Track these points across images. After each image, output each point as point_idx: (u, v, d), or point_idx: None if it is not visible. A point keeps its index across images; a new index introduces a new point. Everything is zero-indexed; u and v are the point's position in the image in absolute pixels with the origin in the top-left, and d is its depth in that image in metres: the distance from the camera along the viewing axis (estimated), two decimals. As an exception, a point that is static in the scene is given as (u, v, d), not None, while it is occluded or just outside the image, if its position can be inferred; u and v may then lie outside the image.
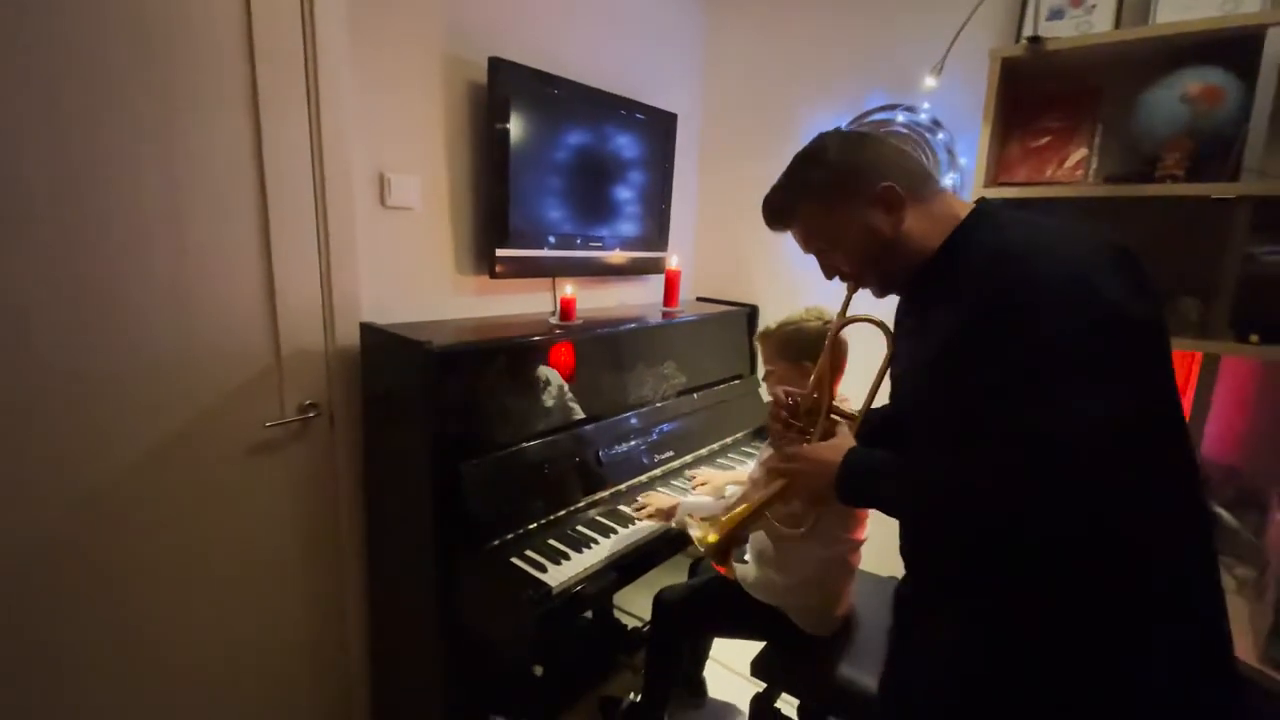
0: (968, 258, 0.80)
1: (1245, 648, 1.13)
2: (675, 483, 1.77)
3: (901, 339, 0.95)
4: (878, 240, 0.86)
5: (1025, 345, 0.68)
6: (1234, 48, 1.33)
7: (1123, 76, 1.49)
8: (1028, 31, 1.59)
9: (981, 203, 0.87)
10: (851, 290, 0.98)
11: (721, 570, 1.16)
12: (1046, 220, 0.80)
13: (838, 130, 0.95)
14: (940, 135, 1.81)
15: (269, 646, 1.55)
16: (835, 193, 0.88)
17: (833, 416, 1.02)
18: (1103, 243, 0.73)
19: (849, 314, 1.02)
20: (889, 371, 0.98)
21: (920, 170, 0.89)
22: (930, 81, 1.74)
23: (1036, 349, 0.68)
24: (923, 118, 1.84)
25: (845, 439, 0.95)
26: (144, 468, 1.29)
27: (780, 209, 0.95)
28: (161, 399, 1.29)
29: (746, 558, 1.52)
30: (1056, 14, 1.56)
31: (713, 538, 1.08)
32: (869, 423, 1.02)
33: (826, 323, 1.37)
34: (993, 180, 1.60)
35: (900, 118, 1.88)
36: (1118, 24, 1.50)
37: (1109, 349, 0.66)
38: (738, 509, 1.08)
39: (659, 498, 1.61)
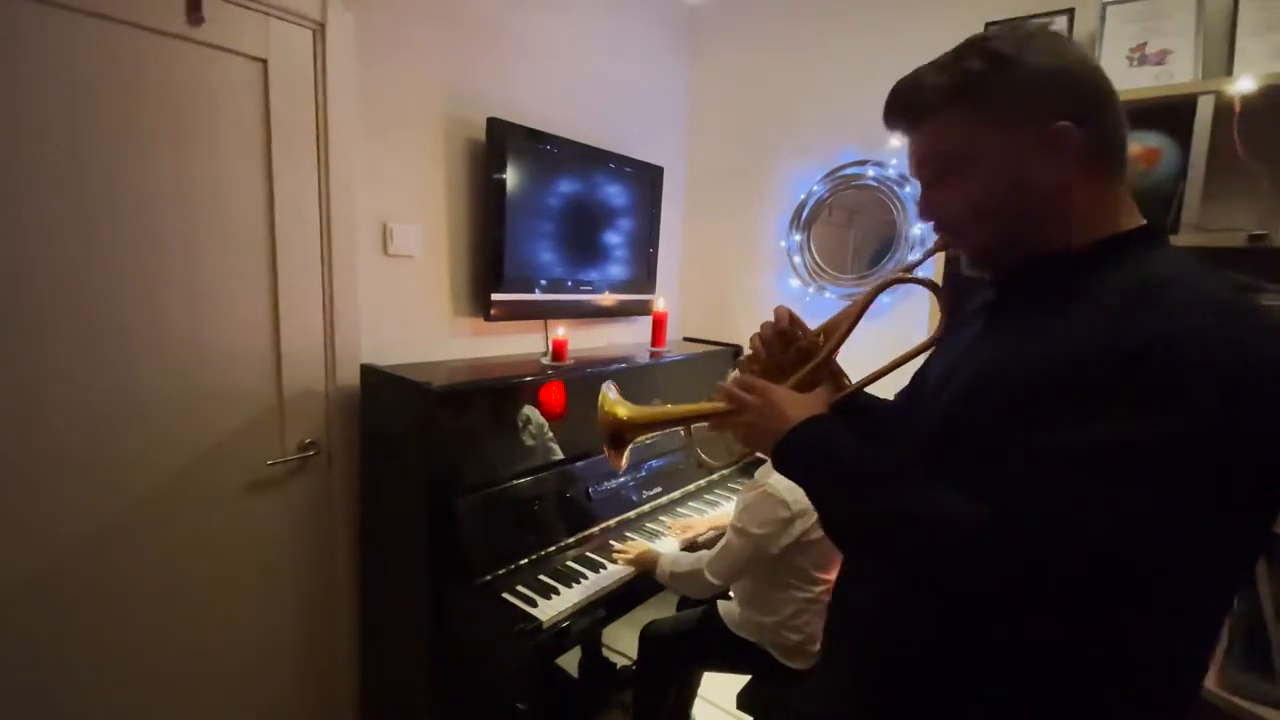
0: (1124, 277, 0.59)
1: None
2: (650, 526, 1.81)
3: (964, 335, 0.75)
4: (1022, 194, 0.64)
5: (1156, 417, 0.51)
6: (1169, 113, 1.46)
7: (1070, 138, 1.62)
8: (983, 97, 1.72)
9: (1157, 227, 0.65)
10: (939, 245, 0.76)
11: (607, 453, 1.00)
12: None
13: (1035, 26, 0.66)
14: (908, 189, 1.94)
15: (263, 675, 1.57)
16: (996, 103, 0.63)
17: (832, 371, 0.87)
18: None
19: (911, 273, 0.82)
20: (921, 366, 0.82)
21: (1120, 136, 0.64)
22: (896, 141, 1.87)
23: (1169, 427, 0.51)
24: (891, 173, 1.97)
25: (817, 399, 0.79)
26: (148, 503, 1.33)
27: (913, 99, 0.68)
28: (168, 437, 1.35)
29: (730, 594, 1.57)
30: (1008, 81, 1.71)
31: (621, 411, 0.96)
32: (854, 402, 0.87)
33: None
34: (957, 231, 1.72)
35: (870, 172, 2.01)
36: (1064, 91, 1.65)
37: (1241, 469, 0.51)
38: (662, 407, 0.95)
39: (639, 547, 1.60)
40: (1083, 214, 0.63)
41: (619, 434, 0.95)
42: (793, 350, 0.87)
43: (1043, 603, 0.54)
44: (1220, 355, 0.51)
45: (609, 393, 0.99)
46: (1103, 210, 0.63)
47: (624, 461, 1.00)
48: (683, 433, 0.94)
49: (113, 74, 1.20)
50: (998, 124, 0.63)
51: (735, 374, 0.90)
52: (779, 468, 0.75)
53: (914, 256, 1.97)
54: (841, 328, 0.84)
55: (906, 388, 0.87)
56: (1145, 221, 0.65)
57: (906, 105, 0.69)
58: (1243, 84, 1.30)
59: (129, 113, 1.23)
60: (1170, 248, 0.62)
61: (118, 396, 1.27)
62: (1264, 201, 1.40)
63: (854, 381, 0.86)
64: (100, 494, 1.27)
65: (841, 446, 0.70)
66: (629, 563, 1.56)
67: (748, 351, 0.92)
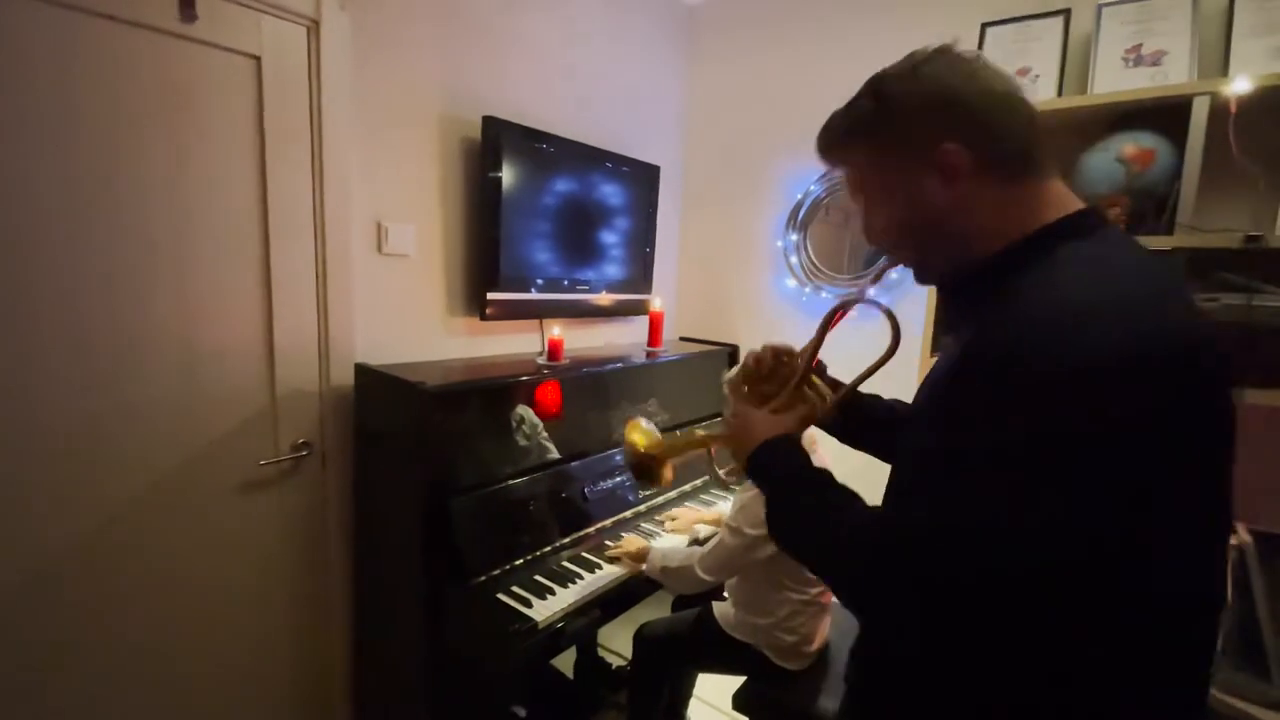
0: (1017, 283, 0.61)
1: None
2: (645, 526, 1.80)
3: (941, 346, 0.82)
4: (924, 213, 0.68)
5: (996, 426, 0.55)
6: (1164, 114, 1.46)
7: (1065, 139, 1.62)
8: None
9: (1082, 215, 0.65)
10: (888, 263, 0.83)
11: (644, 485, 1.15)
12: (1142, 270, 0.60)
13: (935, 53, 0.69)
14: (905, 188, 1.94)
15: (257, 677, 1.56)
16: (885, 137, 0.69)
17: (807, 391, 0.94)
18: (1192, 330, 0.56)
19: (867, 297, 0.92)
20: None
21: (1018, 137, 0.66)
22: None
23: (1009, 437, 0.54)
24: (888, 172, 1.97)
25: (782, 421, 0.86)
26: (138, 504, 1.32)
27: (827, 141, 0.77)
28: (159, 437, 1.34)
29: (725, 595, 1.57)
30: (1004, 82, 1.71)
31: (643, 444, 1.07)
32: (864, 411, 0.96)
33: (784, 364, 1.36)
34: (953, 231, 1.72)
35: (868, 172, 2.01)
36: (1060, 92, 1.65)
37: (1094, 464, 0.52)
38: (681, 435, 1.08)
39: (631, 542, 1.62)
40: (988, 223, 0.66)
41: (641, 464, 1.07)
42: (780, 378, 0.96)
43: (923, 610, 0.58)
44: (1062, 358, 0.53)
45: (632, 433, 1.10)
46: (1010, 215, 0.66)
47: (653, 484, 1.14)
48: (708, 454, 1.07)
49: (104, 71, 1.19)
50: (890, 155, 0.70)
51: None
52: (751, 478, 0.85)
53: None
54: (807, 353, 0.94)
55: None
56: (1075, 210, 0.66)
57: (820, 146, 0.79)
58: (1238, 85, 1.30)
59: (120, 110, 1.22)
60: (1076, 243, 0.62)
61: (108, 396, 1.26)
62: (1259, 202, 1.40)
63: (833, 396, 0.95)
64: (90, 495, 1.26)
65: (781, 465, 0.80)
66: (620, 556, 1.57)
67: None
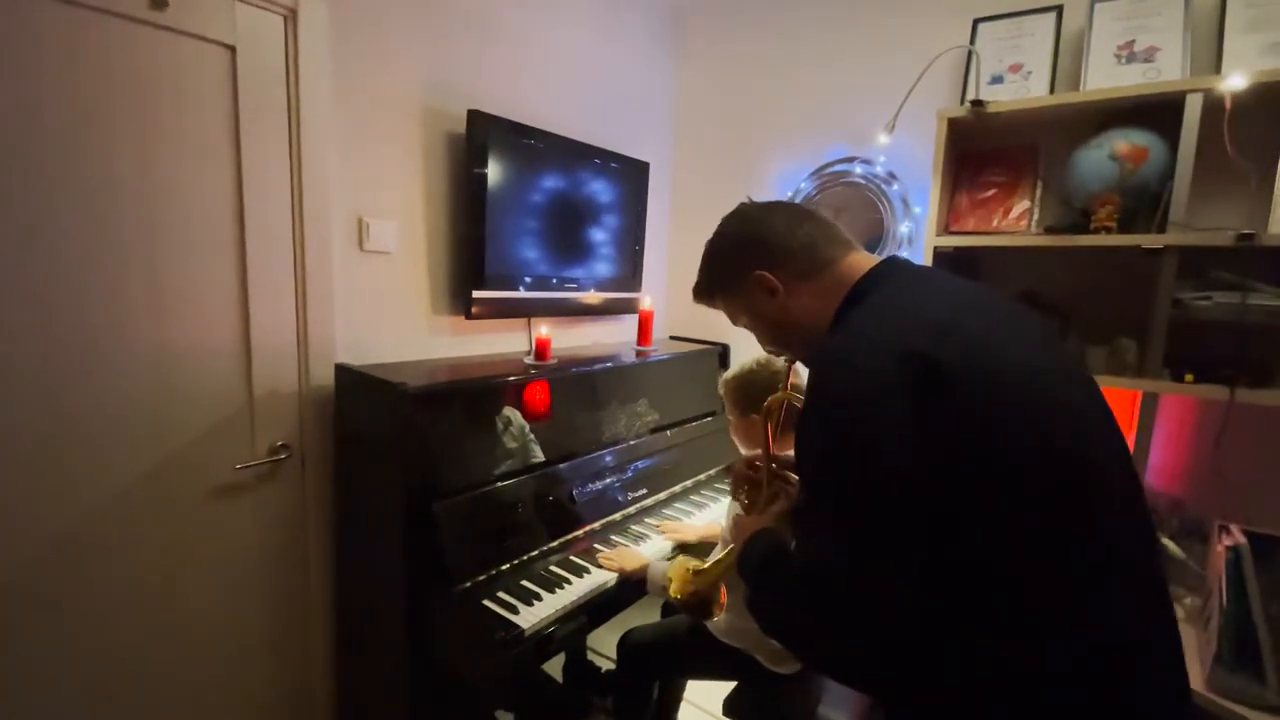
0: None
1: (1193, 675, 1.18)
2: (635, 528, 1.77)
3: None
4: (771, 321, 0.90)
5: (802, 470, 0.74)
6: (1157, 111, 1.46)
7: (1058, 136, 1.61)
8: (971, 95, 1.71)
9: (877, 268, 0.83)
10: (789, 361, 1.05)
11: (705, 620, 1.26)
12: (904, 297, 0.77)
13: (732, 213, 0.96)
14: (895, 186, 1.92)
15: (234, 687, 1.51)
16: (722, 279, 0.94)
17: (783, 485, 1.06)
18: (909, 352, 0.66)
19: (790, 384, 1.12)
20: None
21: (803, 247, 0.86)
22: (884, 138, 1.85)
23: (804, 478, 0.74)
24: (878, 170, 1.95)
25: (761, 519, 0.98)
26: (112, 507, 1.28)
27: (698, 294, 1.00)
28: (132, 439, 1.29)
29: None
30: (997, 79, 1.70)
31: (675, 590, 1.18)
32: None
33: (775, 372, 1.36)
34: (944, 229, 1.70)
35: (858, 169, 1.99)
36: (1052, 89, 1.64)
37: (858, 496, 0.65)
38: (713, 561, 1.16)
39: (627, 555, 1.55)
40: (812, 313, 0.85)
41: (690, 604, 1.17)
42: (759, 481, 1.10)
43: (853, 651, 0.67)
44: (814, 402, 0.71)
45: (676, 566, 1.21)
46: (822, 302, 0.84)
47: (716, 609, 1.20)
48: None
49: (69, 59, 1.14)
50: (732, 292, 0.93)
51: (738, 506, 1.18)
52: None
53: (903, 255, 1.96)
54: (763, 448, 1.10)
55: None
56: (872, 267, 0.84)
57: (698, 297, 1.00)
58: (1232, 82, 1.29)
59: (88, 101, 1.17)
60: (872, 297, 0.79)
61: (78, 397, 1.21)
62: (1252, 200, 1.39)
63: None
64: (59, 500, 1.21)
65: (755, 558, 0.87)
66: (616, 572, 1.52)
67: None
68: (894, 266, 0.83)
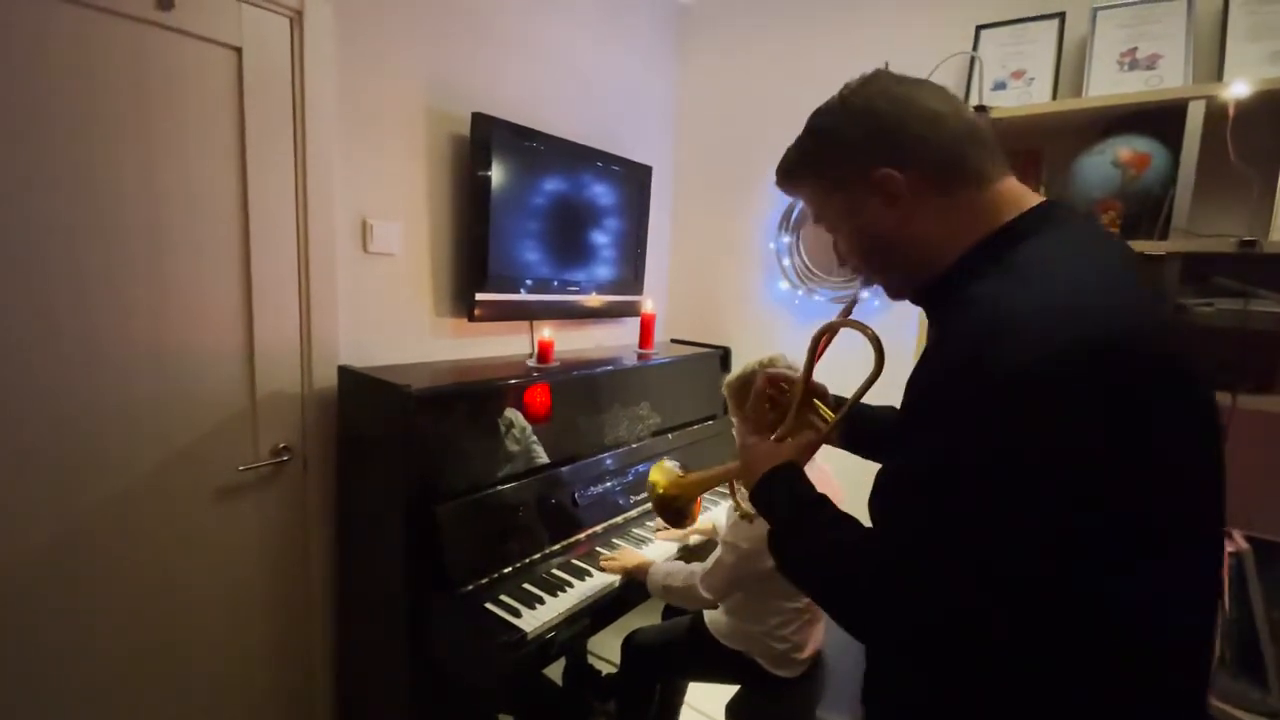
0: (974, 290, 0.61)
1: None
2: (636, 531, 1.77)
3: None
4: (876, 235, 0.71)
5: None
6: (1160, 118, 1.46)
7: (1060, 142, 1.61)
8: (974, 100, 1.72)
9: (1043, 207, 0.66)
10: (862, 284, 0.94)
11: (672, 526, 1.20)
12: (1089, 260, 0.60)
13: (865, 80, 0.72)
14: (899, 190, 1.93)
15: (235, 689, 1.51)
16: (829, 168, 0.73)
17: (810, 415, 0.94)
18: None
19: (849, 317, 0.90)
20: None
21: (951, 151, 0.66)
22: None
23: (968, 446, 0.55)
24: (882, 174, 1.95)
25: (783, 450, 0.85)
26: (113, 507, 1.27)
27: (785, 174, 0.80)
28: (135, 440, 1.29)
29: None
30: (1000, 85, 1.70)
31: (664, 485, 1.11)
32: (871, 424, 0.97)
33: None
34: (948, 234, 1.70)
35: (862, 173, 1.99)
36: (1055, 96, 1.64)
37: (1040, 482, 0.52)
38: (699, 473, 1.12)
39: (628, 554, 1.57)
40: (939, 236, 0.67)
41: (665, 506, 1.10)
42: (782, 405, 0.98)
43: (916, 636, 0.60)
44: (1013, 365, 0.52)
45: (662, 464, 1.15)
46: (959, 225, 0.67)
47: (687, 522, 1.17)
48: (729, 485, 1.12)
49: (75, 60, 1.14)
50: (834, 185, 0.73)
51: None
52: (756, 510, 0.85)
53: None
54: (801, 379, 0.94)
55: None
56: (1034, 204, 0.66)
57: (782, 180, 0.81)
58: (1235, 89, 1.30)
59: (94, 102, 1.17)
60: (1035, 240, 0.62)
61: (81, 398, 1.21)
62: (1254, 207, 1.40)
63: (835, 416, 0.94)
64: (62, 501, 1.21)
65: (781, 498, 0.79)
66: (618, 572, 1.52)
67: (788, 356, 1.15)
68: (1063, 213, 0.65)
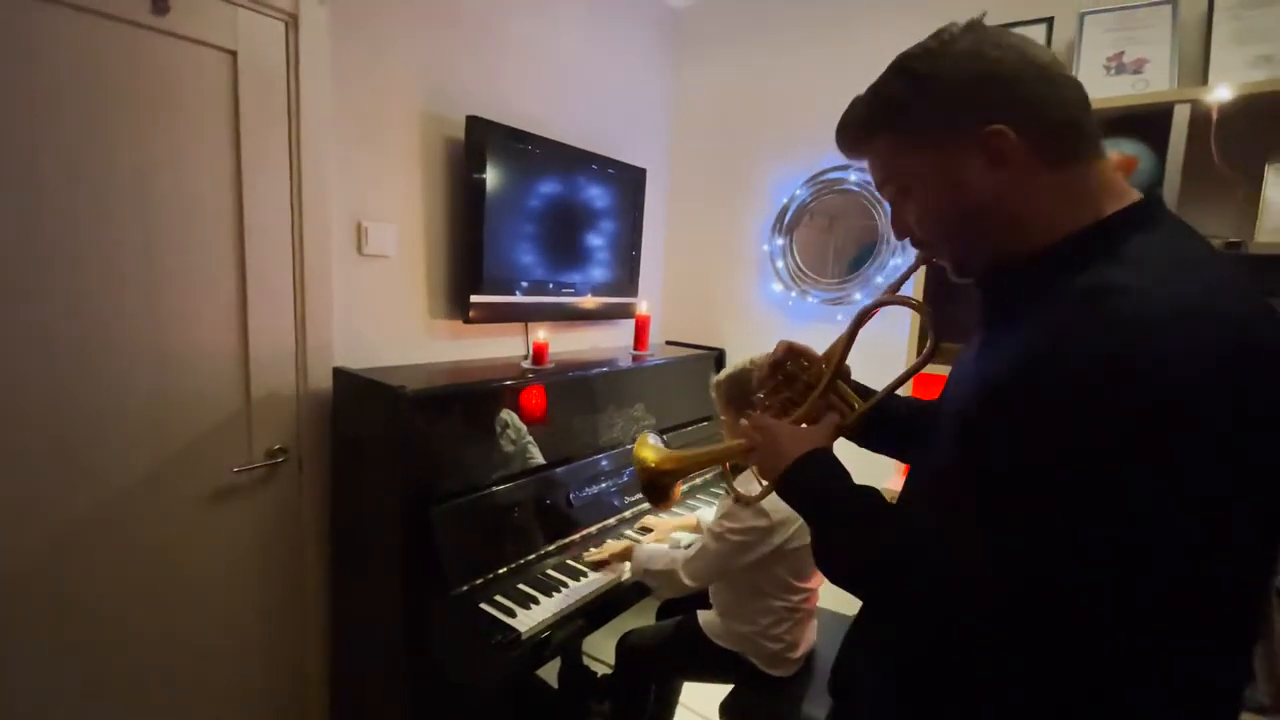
0: (1085, 280, 0.54)
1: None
2: (629, 533, 1.77)
3: (979, 344, 0.70)
4: (968, 202, 0.62)
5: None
6: (1146, 121, 1.48)
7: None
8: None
9: (1150, 202, 0.59)
10: (920, 260, 0.76)
11: (653, 504, 1.08)
12: (1214, 260, 0.55)
13: (963, 27, 0.62)
14: (891, 193, 1.94)
15: (230, 691, 1.51)
16: (921, 120, 0.63)
17: (833, 397, 0.85)
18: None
19: (898, 292, 0.81)
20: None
21: (1070, 113, 0.59)
22: (879, 145, 1.87)
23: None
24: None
25: (815, 433, 0.79)
26: (108, 510, 1.27)
27: (848, 129, 0.70)
28: (130, 442, 1.29)
29: (710, 601, 1.54)
30: (989, 88, 1.72)
31: (654, 459, 0.99)
32: (887, 413, 0.87)
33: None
34: (939, 235, 1.72)
35: (852, 177, 2.01)
36: (1043, 98, 1.66)
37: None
38: (694, 450, 1.00)
39: (614, 545, 1.59)
40: (1041, 211, 0.60)
41: (653, 482, 0.99)
42: (801, 383, 0.88)
43: (993, 639, 0.55)
44: (1156, 365, 0.47)
45: (646, 439, 1.04)
46: (1065, 202, 0.59)
47: (670, 503, 1.06)
48: (724, 467, 1.00)
49: (70, 63, 1.14)
50: (926, 140, 0.63)
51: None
52: (784, 499, 0.77)
53: (895, 263, 1.98)
54: (835, 357, 0.85)
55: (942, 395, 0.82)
56: (1136, 199, 0.59)
57: (846, 139, 0.71)
58: (1219, 93, 1.32)
59: (89, 105, 1.17)
60: (1146, 236, 0.56)
61: (76, 400, 1.21)
62: (1239, 209, 1.42)
63: (865, 399, 0.85)
64: (55, 503, 1.21)
65: (821, 486, 0.72)
66: (605, 561, 1.54)
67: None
68: (1165, 210, 0.60)
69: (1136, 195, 0.60)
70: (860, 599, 0.70)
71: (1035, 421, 0.51)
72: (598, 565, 1.55)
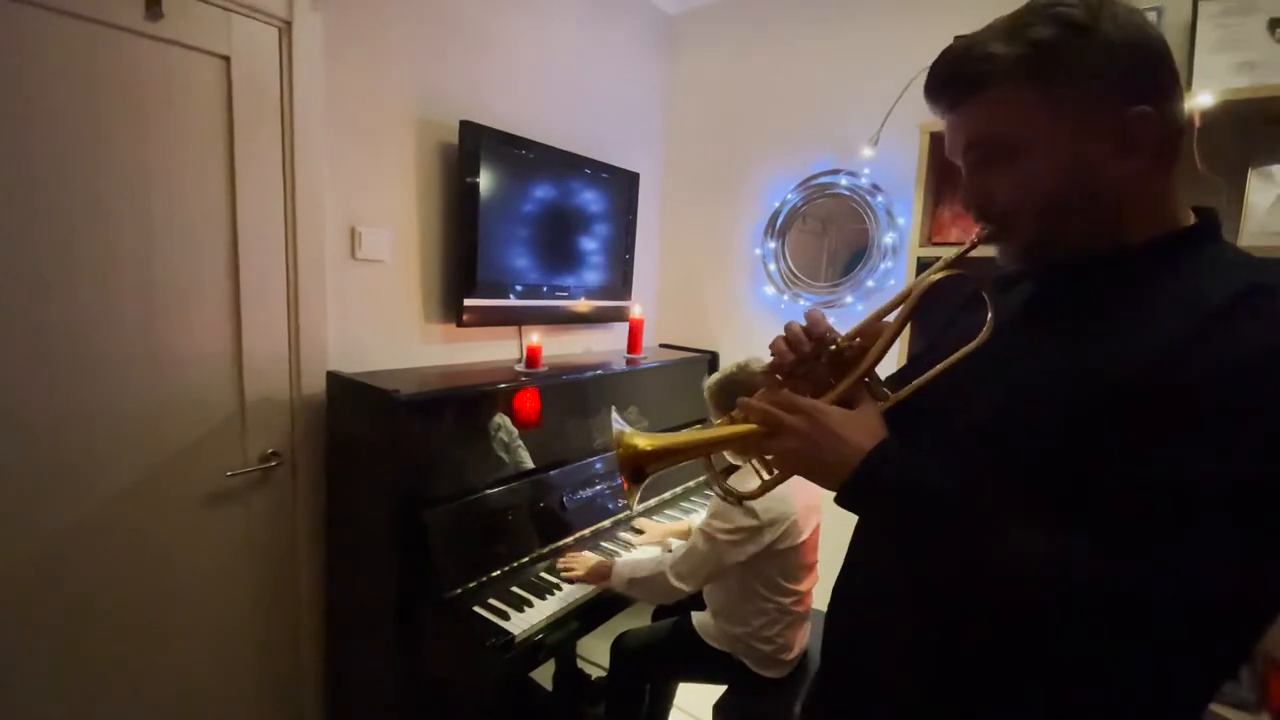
0: (1188, 281, 0.53)
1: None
2: (623, 535, 1.77)
3: (1025, 334, 0.63)
4: (1082, 184, 0.56)
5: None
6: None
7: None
8: (953, 108, 1.75)
9: (1214, 214, 0.59)
10: (981, 235, 0.64)
11: (625, 486, 0.80)
12: None
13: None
14: (879, 198, 1.96)
15: (223, 695, 1.51)
16: (1071, 80, 0.54)
17: (866, 381, 0.70)
18: None
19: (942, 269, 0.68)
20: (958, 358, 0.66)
21: (1184, 114, 0.56)
22: (868, 151, 1.89)
23: None
24: (863, 181, 1.99)
25: (873, 419, 0.64)
26: (101, 514, 1.27)
27: (968, 69, 0.59)
28: (122, 446, 1.29)
29: (704, 602, 1.55)
30: (978, 94, 1.74)
31: (640, 442, 0.77)
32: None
33: (754, 375, 1.33)
34: (927, 240, 1.74)
35: (843, 181, 2.03)
36: (1031, 104, 1.68)
37: None
38: (685, 434, 0.81)
39: (584, 560, 1.52)
40: (1144, 208, 0.56)
41: (639, 468, 0.79)
42: (824, 359, 0.71)
43: (1132, 649, 0.48)
44: None
45: (619, 424, 0.83)
46: (1164, 204, 0.57)
47: (638, 497, 0.82)
48: (706, 461, 0.80)
49: (64, 70, 1.15)
50: (1067, 104, 0.55)
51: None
52: (848, 505, 0.62)
53: (886, 267, 1.99)
54: (887, 331, 0.70)
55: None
56: (1196, 215, 0.58)
57: (958, 76, 0.60)
58: (1201, 99, 1.34)
59: (82, 111, 1.18)
60: (1229, 247, 0.56)
61: (67, 405, 1.21)
62: (1222, 214, 1.43)
63: (885, 385, 0.72)
64: (47, 507, 1.21)
65: (932, 482, 0.58)
66: (579, 580, 1.47)
67: (767, 358, 0.76)
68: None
69: (1192, 205, 0.59)
70: (975, 609, 0.57)
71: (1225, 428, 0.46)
72: (570, 579, 1.48)
